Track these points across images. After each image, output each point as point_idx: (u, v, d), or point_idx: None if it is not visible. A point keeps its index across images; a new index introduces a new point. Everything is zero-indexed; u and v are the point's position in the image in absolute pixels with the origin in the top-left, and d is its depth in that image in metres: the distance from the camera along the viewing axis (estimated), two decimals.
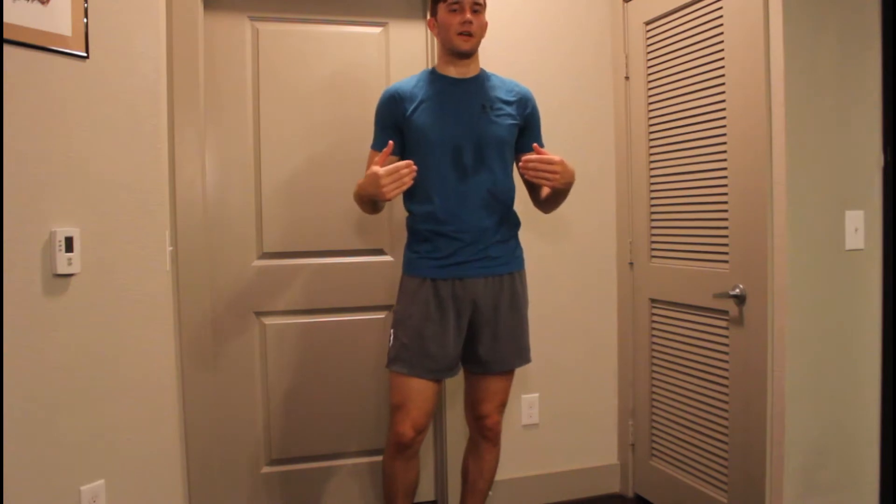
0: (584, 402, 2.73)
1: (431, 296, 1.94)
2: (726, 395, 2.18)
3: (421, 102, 1.97)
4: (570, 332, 2.70)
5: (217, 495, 2.40)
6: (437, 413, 2.56)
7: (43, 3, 1.54)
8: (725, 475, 2.20)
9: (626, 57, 2.65)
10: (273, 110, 2.44)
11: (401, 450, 1.96)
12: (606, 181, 2.74)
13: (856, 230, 2.01)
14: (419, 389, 1.94)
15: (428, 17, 2.04)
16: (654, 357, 2.57)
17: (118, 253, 1.71)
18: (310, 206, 2.48)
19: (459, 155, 1.95)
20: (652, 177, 2.53)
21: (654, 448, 2.60)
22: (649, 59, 2.52)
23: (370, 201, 1.94)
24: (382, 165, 1.81)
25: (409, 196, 2.01)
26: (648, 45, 2.52)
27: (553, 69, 2.65)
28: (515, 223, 2.07)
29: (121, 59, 1.72)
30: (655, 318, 2.55)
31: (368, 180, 1.82)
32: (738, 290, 2.09)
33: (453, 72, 2.01)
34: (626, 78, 2.65)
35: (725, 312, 2.17)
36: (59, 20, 1.57)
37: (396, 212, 2.52)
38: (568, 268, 2.69)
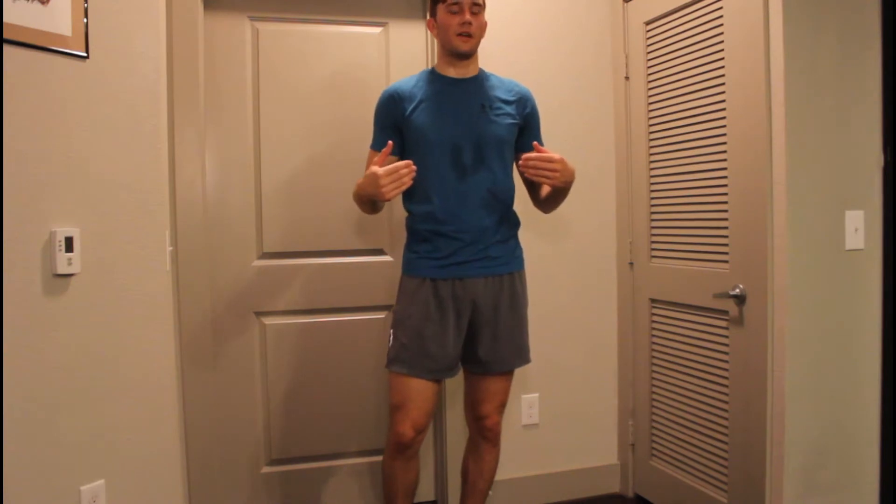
0: (584, 402, 2.73)
1: (431, 296, 1.94)
2: (726, 395, 2.18)
3: (420, 102, 1.97)
4: (570, 332, 2.70)
5: (217, 495, 2.40)
6: (437, 413, 2.56)
7: (43, 3, 1.54)
8: (725, 475, 2.20)
9: (626, 57, 2.65)
10: (273, 110, 2.44)
11: (401, 450, 1.96)
12: (606, 181, 2.74)
13: (856, 230, 2.01)
14: (419, 389, 1.94)
15: (427, 17, 2.03)
16: (654, 357, 2.57)
17: (118, 253, 1.71)
18: (310, 206, 2.48)
19: (459, 155, 1.95)
20: (652, 177, 2.53)
21: (654, 448, 2.60)
22: (649, 59, 2.52)
23: (369, 201, 1.94)
24: (382, 165, 1.81)
25: (409, 196, 2.01)
26: (648, 45, 2.52)
27: (553, 69, 2.65)
28: (515, 223, 2.07)
29: (121, 59, 1.72)
30: (655, 318, 2.55)
31: (367, 180, 1.82)
32: (738, 290, 2.09)
33: (453, 72, 2.01)
34: (626, 78, 2.65)
35: (725, 312, 2.17)
36: (59, 20, 1.57)
37: (396, 212, 2.52)
38: (568, 268, 2.69)
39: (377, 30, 2.54)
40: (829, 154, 1.99)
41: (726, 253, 2.16)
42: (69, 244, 1.58)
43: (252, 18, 2.42)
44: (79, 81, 1.62)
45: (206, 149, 2.36)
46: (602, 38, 2.71)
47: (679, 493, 2.44)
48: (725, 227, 2.16)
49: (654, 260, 2.55)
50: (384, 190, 1.77)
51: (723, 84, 2.14)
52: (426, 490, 2.61)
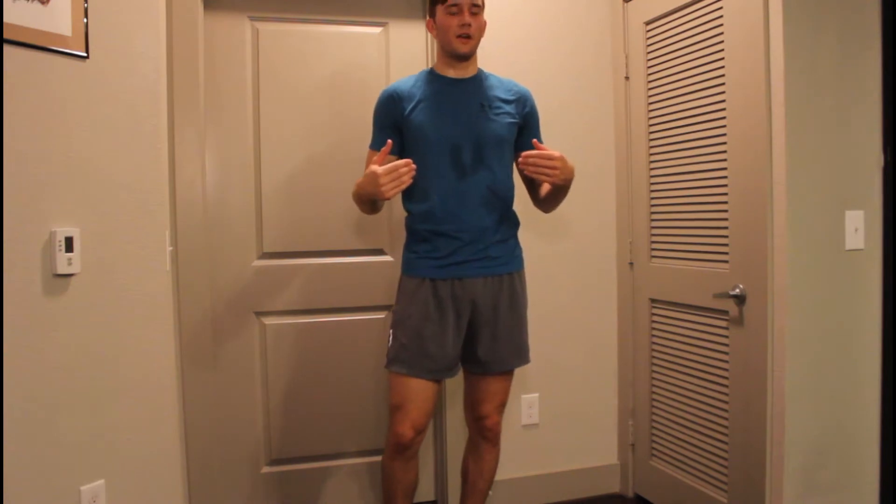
0: (584, 402, 2.73)
1: (431, 296, 1.94)
2: (726, 395, 2.18)
3: (419, 102, 1.97)
4: (570, 332, 2.70)
5: (217, 495, 2.40)
6: (436, 413, 2.56)
7: (43, 3, 1.54)
8: (725, 475, 2.20)
9: (626, 57, 2.65)
10: (273, 110, 2.44)
11: (400, 450, 1.96)
12: (606, 181, 2.74)
13: (856, 230, 2.01)
14: (418, 390, 1.94)
15: (427, 18, 2.04)
16: (654, 357, 2.57)
17: (118, 253, 1.71)
18: (310, 206, 2.48)
19: (458, 154, 1.95)
20: (652, 177, 2.53)
21: (654, 448, 2.60)
22: (649, 59, 2.52)
23: (369, 201, 1.93)
24: (381, 164, 1.81)
25: (408, 196, 2.01)
26: (648, 45, 2.52)
27: (553, 69, 2.65)
28: (515, 223, 2.07)
29: (121, 59, 1.72)
30: (655, 318, 2.55)
31: (367, 179, 1.82)
32: (738, 290, 2.09)
33: (452, 72, 2.01)
34: (626, 78, 2.65)
35: (725, 312, 2.17)
36: (59, 20, 1.57)
37: (396, 212, 2.52)
38: (568, 268, 2.69)
39: (377, 30, 2.54)
40: (829, 154, 1.99)
41: (726, 253, 2.16)
42: (69, 244, 1.58)
43: (252, 18, 2.42)
44: (79, 81, 1.62)
45: (206, 149, 2.36)
46: (602, 38, 2.71)
47: (679, 493, 2.44)
48: (725, 227, 2.16)
49: (654, 260, 2.55)
50: (384, 189, 1.77)
51: (723, 84, 2.14)
52: (426, 490, 2.61)
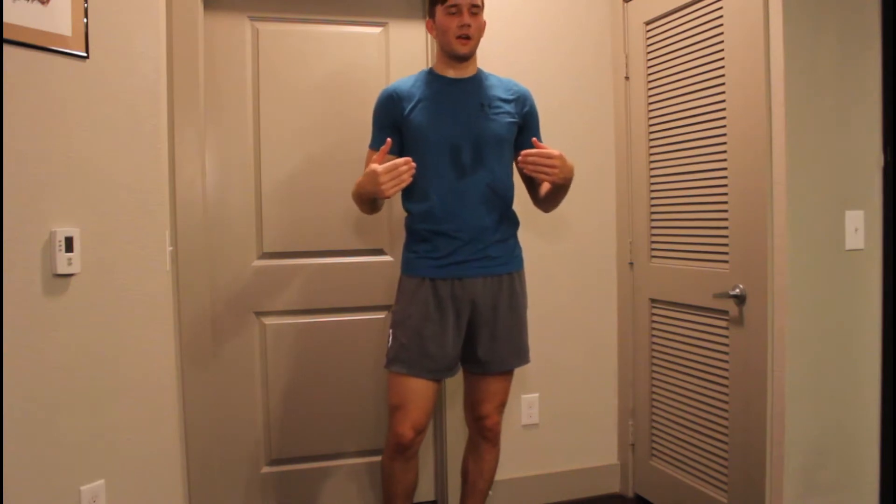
0: (584, 402, 2.73)
1: (431, 296, 1.94)
2: (726, 395, 2.18)
3: (419, 102, 1.97)
4: (570, 332, 2.70)
5: (217, 495, 2.40)
6: (436, 413, 2.56)
7: (43, 3, 1.54)
8: (725, 475, 2.20)
9: (626, 57, 2.65)
10: (273, 110, 2.44)
11: (400, 451, 1.96)
12: (606, 181, 2.74)
13: (856, 230, 2.01)
14: (418, 390, 1.94)
15: (426, 18, 2.04)
16: (654, 357, 2.57)
17: (118, 253, 1.71)
18: (310, 206, 2.48)
19: (458, 154, 1.95)
20: (652, 177, 2.53)
21: (654, 448, 2.60)
22: (649, 59, 2.52)
23: (369, 200, 1.93)
24: (381, 163, 1.81)
25: (408, 195, 2.01)
26: (648, 45, 2.52)
27: (553, 69, 2.65)
28: (514, 222, 2.07)
29: (121, 59, 1.72)
30: (655, 318, 2.55)
31: (367, 178, 1.82)
32: (738, 290, 2.09)
33: (451, 72, 2.01)
34: (626, 78, 2.65)
35: (725, 312, 2.17)
36: (59, 20, 1.57)
37: (396, 212, 2.52)
38: (568, 268, 2.69)
39: (377, 30, 2.54)
40: (829, 154, 1.99)
41: (726, 253, 2.16)
42: (69, 244, 1.58)
43: (252, 18, 2.42)
44: (79, 81, 1.62)
45: (206, 149, 2.36)
46: (602, 38, 2.71)
47: (679, 493, 2.44)
48: (725, 227, 2.16)
49: (654, 260, 2.55)
50: (384, 187, 1.76)
51: (723, 84, 2.14)
52: (426, 490, 2.61)
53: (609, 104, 2.73)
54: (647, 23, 2.51)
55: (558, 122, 2.59)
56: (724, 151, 2.15)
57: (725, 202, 2.16)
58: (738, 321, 2.11)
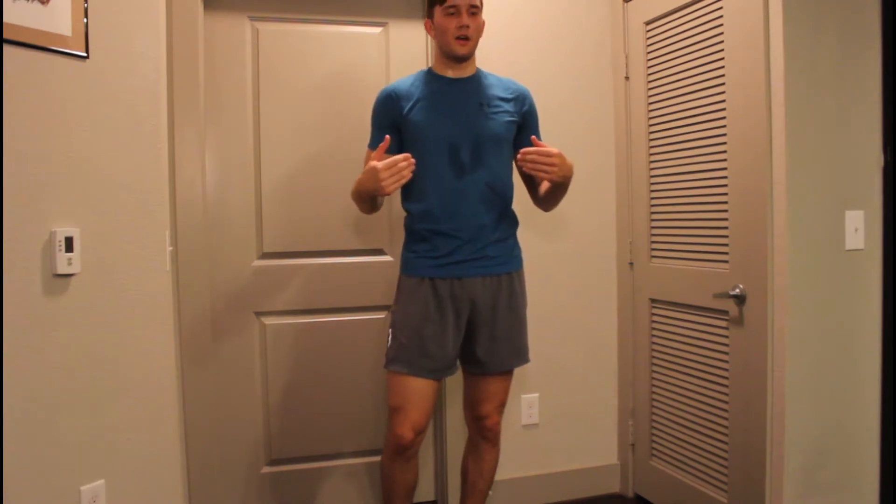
0: (584, 402, 2.73)
1: (430, 295, 1.94)
2: (726, 395, 2.18)
3: (417, 101, 1.97)
4: (570, 332, 2.70)
5: (217, 495, 2.40)
6: (436, 413, 2.56)
7: (43, 3, 1.54)
8: (725, 475, 2.20)
9: (626, 57, 2.65)
10: (273, 110, 2.44)
11: (400, 452, 1.95)
12: (606, 181, 2.74)
13: (856, 230, 2.01)
14: (418, 390, 1.93)
15: (425, 18, 2.03)
16: (654, 357, 2.57)
17: (118, 253, 1.71)
18: (310, 206, 2.48)
19: (457, 153, 1.94)
20: (652, 177, 2.53)
21: (654, 448, 2.60)
22: (649, 59, 2.52)
23: (369, 199, 1.93)
24: (380, 161, 1.81)
25: (407, 195, 2.01)
26: (648, 45, 2.52)
27: (553, 69, 2.65)
28: (514, 222, 2.07)
29: (121, 59, 1.72)
30: (655, 318, 2.55)
31: (367, 175, 1.82)
32: (738, 290, 2.09)
33: (450, 72, 2.01)
34: (626, 78, 2.65)
35: (725, 312, 2.17)
36: (59, 20, 1.57)
37: (395, 211, 2.52)
38: (568, 267, 2.69)
39: (377, 30, 2.54)
40: (829, 154, 1.99)
41: (726, 253, 2.16)
42: (69, 244, 1.58)
43: (252, 18, 2.42)
44: (79, 81, 1.62)
45: (206, 149, 2.36)
46: (602, 38, 2.71)
47: (679, 493, 2.44)
48: (725, 227, 2.16)
49: (654, 260, 2.55)
50: (384, 184, 1.76)
51: (723, 84, 2.14)
52: (426, 490, 2.61)
53: (609, 104, 2.73)
54: (647, 23, 2.51)
55: (558, 122, 2.59)
56: (724, 151, 2.15)
57: (725, 202, 2.16)
58: (738, 321, 2.11)
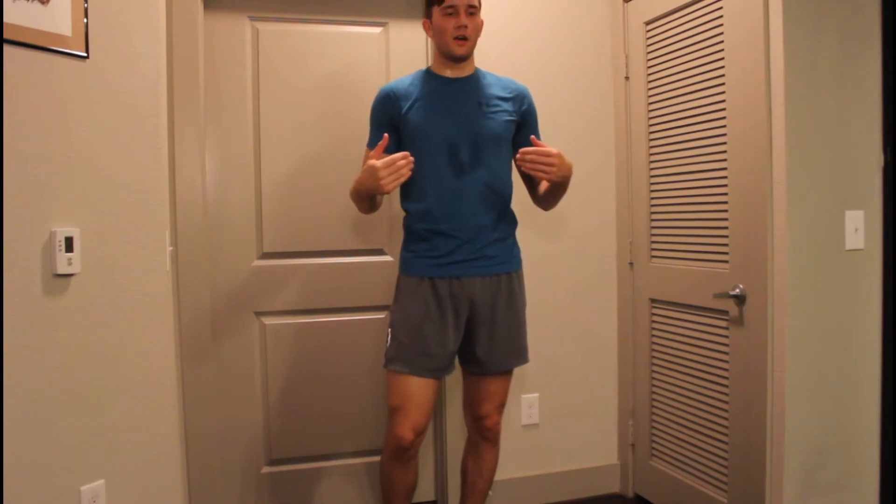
0: (584, 402, 2.73)
1: (430, 294, 1.94)
2: (726, 395, 2.18)
3: (416, 101, 1.97)
4: (569, 332, 2.70)
5: (217, 495, 2.40)
6: (436, 413, 2.56)
7: (43, 3, 1.53)
8: (725, 475, 2.20)
9: (626, 57, 2.65)
10: (273, 110, 2.44)
11: (400, 453, 1.95)
12: (606, 181, 2.74)
13: (856, 230, 2.01)
14: (418, 390, 1.93)
15: (423, 18, 2.03)
16: (654, 357, 2.57)
17: (118, 253, 1.71)
18: (310, 207, 2.48)
19: (456, 152, 1.94)
20: (652, 177, 2.53)
21: (654, 448, 2.60)
22: (649, 59, 2.52)
23: (368, 197, 1.93)
24: (378, 159, 1.81)
25: (406, 195, 2.01)
26: (648, 45, 2.52)
27: (553, 69, 2.65)
28: (513, 222, 2.07)
29: (121, 59, 1.71)
30: (655, 318, 2.55)
31: (366, 174, 1.81)
32: (738, 290, 2.09)
33: (449, 72, 2.01)
34: (626, 78, 2.65)
35: (725, 312, 2.17)
36: (59, 20, 1.57)
37: (395, 211, 2.52)
38: (568, 267, 2.69)
39: (377, 30, 2.54)
40: (829, 154, 1.99)
41: (726, 253, 2.16)
42: (69, 244, 1.58)
43: (252, 18, 2.42)
44: (79, 81, 1.62)
45: (206, 149, 2.36)
46: (602, 38, 2.71)
47: (679, 493, 2.44)
48: (725, 227, 2.16)
49: (654, 260, 2.55)
50: (383, 182, 1.76)
51: (723, 84, 2.14)
52: (426, 490, 2.61)
53: (609, 104, 2.73)
54: (647, 23, 2.51)
55: (558, 122, 2.59)
56: (724, 151, 2.15)
57: (725, 202, 2.16)
58: (738, 321, 2.11)
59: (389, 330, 1.99)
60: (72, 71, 1.60)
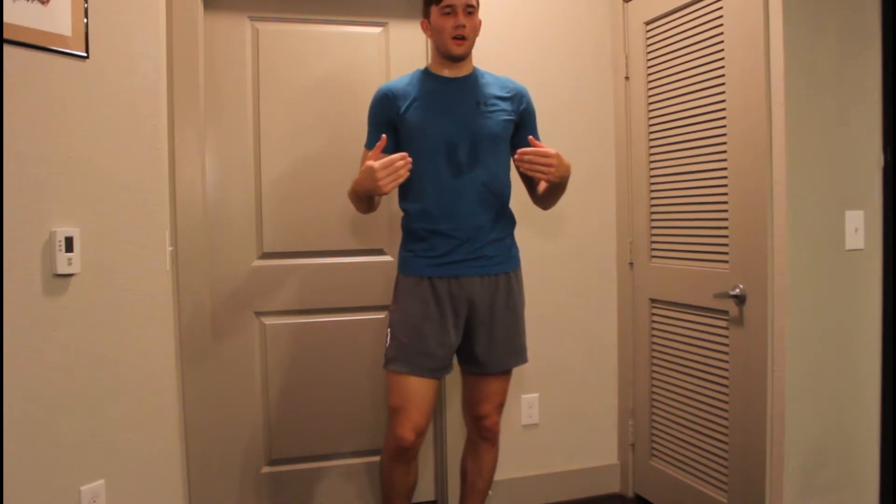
0: (584, 402, 2.73)
1: (429, 294, 1.94)
2: (726, 395, 2.18)
3: (414, 100, 1.97)
4: (569, 332, 2.70)
5: (217, 495, 2.40)
6: (436, 413, 2.56)
7: (43, 3, 1.53)
8: (725, 475, 2.20)
9: (626, 57, 2.65)
10: (273, 110, 2.44)
11: (400, 454, 1.95)
12: (606, 181, 2.74)
13: (856, 230, 2.01)
14: (419, 390, 1.93)
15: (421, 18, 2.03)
16: (654, 357, 2.57)
17: (118, 253, 1.71)
18: (309, 207, 2.48)
19: (454, 152, 1.94)
20: (652, 177, 2.53)
21: (654, 448, 2.60)
22: (649, 59, 2.52)
23: (366, 198, 1.93)
24: (376, 160, 1.81)
25: (404, 194, 2.01)
26: (648, 45, 2.52)
27: (553, 69, 2.65)
28: (511, 222, 2.07)
29: (121, 59, 1.71)
30: (655, 318, 2.55)
31: (364, 175, 1.81)
32: (738, 290, 2.09)
33: (447, 72, 2.01)
34: (626, 78, 2.65)
35: (725, 312, 2.17)
36: (59, 20, 1.57)
37: (394, 211, 2.51)
38: (568, 267, 2.69)
39: (377, 30, 2.54)
40: (829, 154, 1.99)
41: (726, 253, 2.16)
42: (69, 244, 1.58)
43: (252, 18, 2.42)
44: (79, 81, 1.62)
45: (206, 149, 2.36)
46: (602, 38, 2.71)
47: (679, 493, 2.44)
48: (725, 227, 2.16)
49: (654, 260, 2.55)
50: (381, 183, 1.76)
51: (723, 84, 2.14)
52: (426, 490, 2.61)
53: (609, 104, 2.73)
54: (647, 23, 2.51)
55: (558, 122, 2.59)
56: (724, 151, 2.15)
57: (725, 202, 2.16)
58: (738, 321, 2.11)
59: (389, 330, 1.99)
60: (72, 71, 1.60)
